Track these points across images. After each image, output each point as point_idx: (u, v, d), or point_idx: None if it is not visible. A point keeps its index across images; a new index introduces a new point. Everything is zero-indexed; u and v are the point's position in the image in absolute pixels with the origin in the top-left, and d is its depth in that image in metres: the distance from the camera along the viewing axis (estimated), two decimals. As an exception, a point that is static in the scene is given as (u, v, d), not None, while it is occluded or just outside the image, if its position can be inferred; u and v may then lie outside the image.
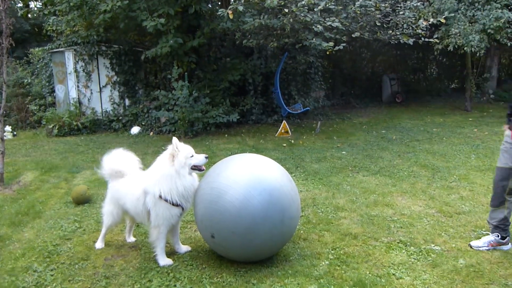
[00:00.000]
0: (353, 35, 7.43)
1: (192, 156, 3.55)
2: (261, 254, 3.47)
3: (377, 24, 7.59)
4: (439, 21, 8.17)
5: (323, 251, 3.82)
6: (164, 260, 3.61)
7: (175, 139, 3.51)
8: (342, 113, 12.94)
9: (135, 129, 10.23)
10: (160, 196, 3.46)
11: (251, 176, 3.37)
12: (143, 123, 10.23)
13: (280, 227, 3.33)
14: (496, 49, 13.96)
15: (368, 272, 3.45)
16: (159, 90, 9.59)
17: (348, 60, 15.48)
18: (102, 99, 11.28)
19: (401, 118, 11.84)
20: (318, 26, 6.70)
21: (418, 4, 8.01)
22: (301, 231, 4.27)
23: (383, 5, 7.55)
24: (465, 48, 10.23)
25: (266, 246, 3.38)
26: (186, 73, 8.95)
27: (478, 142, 8.53)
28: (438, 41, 9.06)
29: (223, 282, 3.30)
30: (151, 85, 10.78)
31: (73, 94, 11.32)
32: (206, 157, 3.63)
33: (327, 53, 7.62)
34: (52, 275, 3.51)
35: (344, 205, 5.08)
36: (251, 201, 3.22)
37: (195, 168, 3.58)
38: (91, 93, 11.34)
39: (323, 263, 3.60)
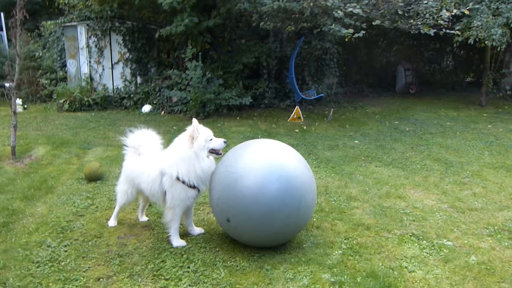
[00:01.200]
0: (373, 23, 7.27)
1: (211, 139, 3.55)
2: (275, 240, 3.47)
3: (399, 12, 7.42)
4: (463, 12, 7.97)
5: (336, 240, 3.82)
6: (177, 241, 3.63)
7: (195, 121, 3.49)
8: (354, 101, 12.81)
9: (146, 108, 10.21)
10: (178, 178, 3.45)
11: (269, 162, 3.35)
12: (154, 102, 10.20)
13: (296, 214, 3.32)
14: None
15: (381, 264, 3.44)
16: (171, 69, 9.52)
17: (363, 48, 15.25)
18: (114, 76, 11.23)
19: (415, 109, 11.71)
20: (339, 11, 6.56)
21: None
22: (314, 219, 4.26)
23: (405, -7, 7.37)
24: (486, 42, 10.00)
25: (281, 232, 3.38)
26: (200, 53, 8.86)
27: (492, 139, 8.42)
28: (459, 33, 8.86)
29: (237, 266, 3.31)
30: (163, 64, 10.71)
31: (85, 69, 11.28)
32: (225, 142, 3.62)
33: (346, 39, 7.48)
34: (66, 251, 3.55)
35: (356, 195, 5.06)
36: (268, 187, 3.21)
37: (213, 151, 3.58)
38: (103, 69, 11.29)
39: (336, 252, 3.60)
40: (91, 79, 11.24)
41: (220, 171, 3.45)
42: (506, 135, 8.75)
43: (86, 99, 10.46)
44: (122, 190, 3.93)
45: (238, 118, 9.43)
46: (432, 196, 5.15)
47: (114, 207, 4.16)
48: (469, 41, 10.19)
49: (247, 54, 9.42)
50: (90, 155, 6.67)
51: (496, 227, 4.28)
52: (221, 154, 3.63)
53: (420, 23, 7.62)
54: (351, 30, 6.89)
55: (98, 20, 10.69)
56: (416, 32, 8.05)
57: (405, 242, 3.88)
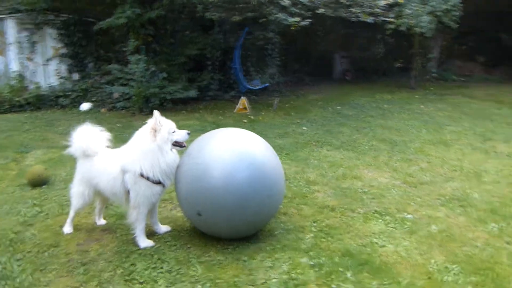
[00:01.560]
0: (317, 11, 7.40)
1: (174, 131, 3.40)
2: (248, 230, 3.42)
3: (340, 1, 7.61)
4: (397, 1, 8.37)
5: (305, 225, 3.84)
6: (144, 242, 3.44)
7: (157, 113, 3.31)
8: (296, 90, 13.03)
9: (85, 105, 9.59)
10: (141, 174, 3.25)
11: (237, 150, 3.28)
12: (93, 99, 9.60)
13: (268, 201, 3.29)
14: (438, 31, 14.61)
15: (353, 242, 3.52)
16: (111, 64, 9.02)
17: (301, 37, 15.53)
18: (48, 72, 10.41)
19: (353, 95, 12.15)
20: (285, 0, 6.58)
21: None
22: (280, 206, 4.25)
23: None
24: (416, 29, 10.61)
25: (254, 221, 3.33)
26: (143, 46, 8.48)
27: (426, 118, 8.99)
28: (395, 21, 9.31)
29: (212, 261, 3.21)
30: (102, 58, 10.11)
31: (15, 67, 10.33)
32: (188, 133, 3.49)
33: (292, 28, 7.54)
34: (19, 265, 3.21)
35: (315, 179, 5.13)
36: (238, 176, 3.14)
37: (176, 144, 3.43)
38: (36, 66, 10.41)
39: (308, 236, 3.62)
40: (22, 77, 10.30)
41: (186, 164, 3.31)
42: (437, 114, 9.39)
43: (17, 99, 9.59)
44: (77, 193, 3.63)
45: (184, 112, 9.19)
46: (384, 174, 5.37)
47: (68, 213, 3.85)
48: (401, 28, 10.74)
49: (190, 46, 9.18)
50: (29, 158, 6.14)
51: (446, 197, 4.57)
52: (185, 146, 3.49)
53: (359, 11, 7.88)
54: (298, 19, 6.95)
55: (30, 12, 9.78)
56: (356, 20, 8.32)
57: (370, 219, 4.00)
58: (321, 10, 7.37)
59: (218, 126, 7.90)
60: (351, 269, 3.11)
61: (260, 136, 3.61)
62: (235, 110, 9.27)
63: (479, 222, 3.97)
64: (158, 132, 3.26)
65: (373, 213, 4.15)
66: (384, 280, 2.99)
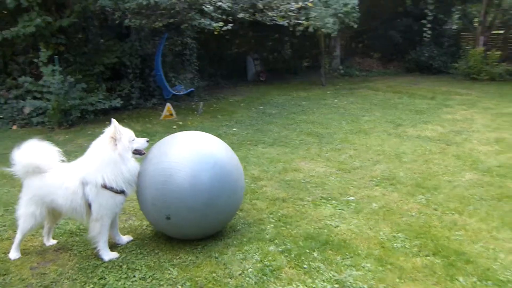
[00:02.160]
0: (238, 16, 7.64)
1: (134, 139, 3.38)
2: (216, 228, 3.51)
3: (258, 6, 7.95)
4: (307, 4, 8.96)
5: (263, 217, 4.04)
6: (109, 255, 3.35)
7: (115, 122, 3.26)
8: (214, 94, 13.17)
9: (-11, 124, 8.67)
10: (104, 185, 3.18)
11: (200, 152, 3.37)
12: (0, 116, 8.72)
13: (233, 198, 3.43)
14: (339, 31, 15.83)
15: (310, 227, 3.80)
16: (22, 77, 8.28)
17: (212, 41, 15.73)
18: None
19: (271, 94, 12.65)
20: (208, 6, 6.71)
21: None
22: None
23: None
24: (322, 30, 11.40)
25: (221, 218, 3.45)
26: (56, 56, 7.94)
27: (342, 111, 9.75)
28: (305, 24, 9.92)
29: (185, 262, 3.25)
30: (4, 71, 9.21)
31: None
32: (147, 141, 3.49)
33: (215, 32, 7.69)
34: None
35: (259, 175, 5.35)
36: (204, 176, 3.23)
37: (136, 152, 3.40)
38: None
39: (269, 226, 3.82)
40: None
41: (150, 170, 3.30)
42: (351, 106, 10.22)
43: None
44: (27, 214, 3.39)
45: (107, 122, 8.76)
46: (319, 164, 5.78)
47: (8, 238, 3.58)
48: (309, 30, 11.46)
49: (107, 54, 8.81)
50: None
51: (378, 178, 5.09)
52: (144, 153, 3.47)
53: (275, 15, 8.30)
54: (221, 23, 7.12)
55: None
56: (271, 23, 8.74)
57: (319, 205, 4.33)
58: (241, 15, 7.64)
59: (149, 134, 7.76)
60: (316, 249, 3.38)
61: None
62: (161, 117, 9.15)
63: (409, 195, 4.52)
64: (118, 141, 3.22)
65: (320, 199, 4.49)
66: (346, 254, 3.30)
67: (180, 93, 9.95)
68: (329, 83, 14.47)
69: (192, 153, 3.31)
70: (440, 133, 7.07)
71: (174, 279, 3.02)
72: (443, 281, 2.95)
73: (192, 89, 10.56)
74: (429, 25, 15.35)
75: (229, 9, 7.47)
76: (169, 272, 3.11)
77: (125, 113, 9.60)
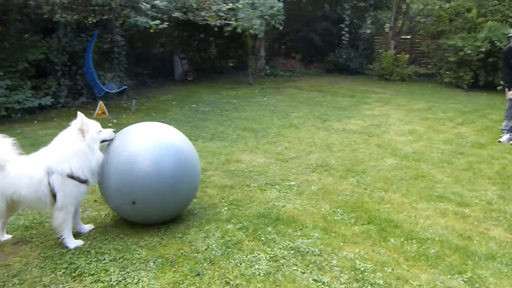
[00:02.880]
0: (173, 15, 7.80)
1: (101, 131, 3.52)
2: (177, 211, 3.78)
3: (193, 5, 8.16)
4: (237, 6, 9.38)
5: (216, 202, 4.37)
6: (74, 242, 3.45)
7: (81, 114, 3.40)
8: (142, 92, 13.06)
9: None
10: (70, 174, 3.29)
11: (161, 139, 3.62)
12: None
13: (194, 181, 3.73)
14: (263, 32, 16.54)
15: (260, 208, 4.22)
16: None
17: (138, 39, 15.53)
18: None
19: (201, 93, 12.90)
20: (145, 4, 6.79)
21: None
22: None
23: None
24: (250, 31, 11.92)
25: (185, 201, 3.72)
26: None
27: (272, 108, 10.34)
28: (236, 24, 10.33)
29: (151, 243, 3.48)
30: None
31: None
32: (113, 131, 3.64)
33: (151, 31, 7.77)
34: None
35: (204, 166, 5.64)
36: (167, 163, 3.49)
37: (103, 142, 3.56)
38: None
39: (223, 209, 4.17)
40: None
41: (115, 158, 3.47)
42: (279, 104, 10.86)
43: None
44: None
45: (35, 121, 8.42)
46: (259, 155, 6.23)
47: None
48: (237, 30, 11.91)
49: (32, 50, 8.39)
50: None
51: (313, 166, 5.67)
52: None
53: (207, 15, 8.60)
54: (158, 22, 7.23)
55: None
56: (203, 23, 9.01)
57: (265, 189, 4.77)
58: (176, 14, 7.81)
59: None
60: (269, 225, 3.80)
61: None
62: (94, 115, 8.96)
63: (342, 178, 5.15)
64: (86, 133, 3.36)
65: (265, 184, 4.94)
66: (296, 227, 3.77)
67: (112, 91, 9.80)
68: (256, 82, 15.08)
69: (153, 141, 3.55)
70: (362, 127, 7.94)
71: (144, 258, 3.24)
72: (378, 242, 3.54)
73: (125, 86, 10.46)
74: (346, 29, 16.70)
75: (164, 8, 7.61)
76: (138, 252, 3.32)
77: (53, 112, 9.24)
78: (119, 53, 11.08)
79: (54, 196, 3.33)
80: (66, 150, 3.32)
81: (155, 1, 7.21)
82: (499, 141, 6.81)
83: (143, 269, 3.08)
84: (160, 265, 3.13)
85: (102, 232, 3.69)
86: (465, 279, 3.02)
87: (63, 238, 3.44)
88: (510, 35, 6.96)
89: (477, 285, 2.97)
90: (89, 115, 9.24)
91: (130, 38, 14.03)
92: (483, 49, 12.00)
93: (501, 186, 4.90)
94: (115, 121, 8.77)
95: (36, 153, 3.44)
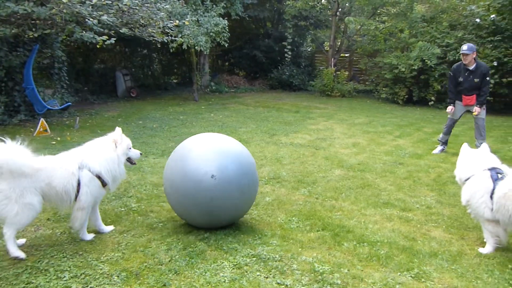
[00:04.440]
0: (121, 31, 7.73)
1: (130, 148, 3.93)
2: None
3: (141, 22, 8.16)
4: (184, 22, 9.51)
5: (174, 215, 4.37)
6: (89, 236, 3.79)
7: (119, 129, 3.82)
8: (85, 109, 12.66)
9: None
10: (98, 175, 3.62)
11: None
12: None
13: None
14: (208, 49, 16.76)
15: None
16: None
17: (78, 55, 15.09)
18: None
19: (147, 110, 12.76)
20: (91, 19, 6.69)
21: (167, 6, 9.05)
22: (142, 206, 4.66)
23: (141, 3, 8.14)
24: (196, 47, 12.08)
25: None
26: None
27: (220, 123, 10.49)
28: (182, 40, 10.43)
29: (112, 258, 3.45)
30: None
31: None
32: (140, 154, 4.08)
33: (98, 46, 7.63)
34: None
35: (159, 181, 5.63)
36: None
37: (129, 160, 3.95)
38: None
39: (183, 222, 4.21)
40: None
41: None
42: (227, 120, 11.04)
43: None
44: (25, 205, 3.34)
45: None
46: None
47: None
48: (183, 47, 12.02)
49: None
50: None
51: (266, 178, 5.87)
52: (135, 164, 4.09)
53: (154, 31, 8.64)
54: (105, 37, 7.13)
55: None
56: (149, 39, 9.02)
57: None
58: (124, 30, 7.76)
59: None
60: (230, 235, 3.91)
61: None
62: (34, 133, 8.56)
63: (294, 189, 5.39)
64: (119, 145, 3.76)
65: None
66: (255, 236, 3.92)
67: (55, 108, 9.43)
68: (202, 98, 15.19)
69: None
70: (308, 140, 8.31)
71: (107, 273, 3.21)
72: (333, 246, 3.77)
73: (69, 103, 10.09)
74: (289, 47, 17.37)
75: (111, 23, 7.54)
76: (100, 268, 3.28)
77: (-12, 129, 8.70)
78: (59, 69, 10.71)
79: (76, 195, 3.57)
80: (99, 153, 3.68)
81: (102, 17, 7.13)
82: (433, 153, 7.43)
83: (108, 284, 3.06)
84: (125, 279, 3.12)
85: (60, 250, 3.58)
86: (413, 275, 3.32)
87: (81, 234, 3.77)
88: (461, 52, 6.89)
89: (423, 279, 3.28)
90: (29, 133, 8.86)
91: (69, 54, 13.59)
92: (416, 67, 13.09)
93: (438, 192, 5.40)
94: (58, 138, 8.45)
95: (68, 151, 3.75)
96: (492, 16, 12.26)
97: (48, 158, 3.58)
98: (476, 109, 6.94)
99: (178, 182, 3.81)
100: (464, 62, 6.90)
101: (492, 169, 3.68)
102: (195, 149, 3.92)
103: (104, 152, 3.69)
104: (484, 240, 3.79)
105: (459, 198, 5.01)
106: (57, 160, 3.60)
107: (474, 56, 6.86)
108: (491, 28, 12.34)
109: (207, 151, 3.87)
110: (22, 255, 3.39)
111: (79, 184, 3.53)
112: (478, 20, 12.72)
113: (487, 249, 3.73)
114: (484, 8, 12.72)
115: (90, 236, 3.77)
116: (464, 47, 6.87)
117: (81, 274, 3.19)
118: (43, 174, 3.43)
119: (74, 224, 3.63)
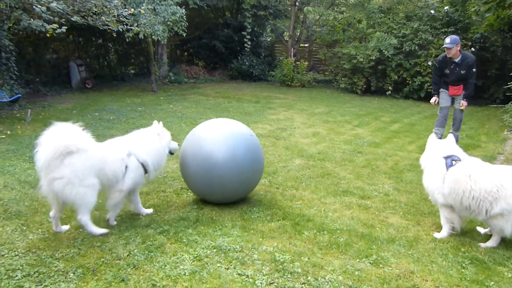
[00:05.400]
0: (72, 19, 7.39)
1: (170, 141, 4.30)
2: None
3: (93, 9, 7.82)
4: (139, 11, 9.22)
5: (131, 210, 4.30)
6: (99, 230, 3.75)
7: (160, 123, 4.22)
8: (37, 102, 12.08)
9: None
10: (143, 163, 3.91)
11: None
12: None
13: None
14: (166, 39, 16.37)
15: (179, 212, 4.29)
16: None
17: (28, 44, 14.31)
18: None
19: (103, 101, 12.34)
20: (39, 6, 6.34)
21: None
22: (99, 201, 4.51)
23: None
24: (153, 37, 11.77)
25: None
26: None
27: (179, 115, 10.33)
28: (139, 30, 10.12)
29: (67, 254, 3.34)
30: None
31: None
32: (178, 145, 4.46)
33: (48, 35, 7.25)
34: None
35: (116, 175, 5.50)
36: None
37: (169, 151, 4.30)
38: None
39: (141, 215, 4.13)
40: None
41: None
42: (186, 111, 10.88)
43: None
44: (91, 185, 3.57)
45: None
46: (171, 161, 6.20)
47: None
48: (139, 36, 11.67)
49: None
50: None
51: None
52: (173, 154, 4.45)
53: (109, 20, 8.32)
54: (56, 25, 6.77)
55: None
56: (103, 28, 8.69)
57: (181, 194, 4.85)
58: (75, 18, 7.42)
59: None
60: (190, 227, 3.89)
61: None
62: (-19, 127, 8.09)
63: (254, 179, 5.40)
64: (162, 137, 4.16)
65: (180, 189, 5.00)
66: (216, 227, 3.91)
67: (3, 100, 8.92)
68: (160, 89, 14.87)
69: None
70: (269, 130, 8.36)
71: (62, 270, 3.10)
72: (293, 235, 3.83)
73: (19, 95, 9.57)
74: (248, 37, 17.28)
75: (61, 11, 7.19)
76: (54, 265, 3.17)
77: None
78: (7, 59, 10.10)
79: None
80: (147, 144, 4.01)
81: (51, 4, 6.77)
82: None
83: (63, 281, 2.96)
84: (81, 275, 3.03)
85: (11, 248, 3.42)
86: (371, 261, 3.43)
87: (108, 219, 3.93)
88: (444, 45, 6.60)
89: (381, 265, 3.39)
90: (-25, 126, 8.34)
91: (18, 43, 12.86)
92: (373, 57, 13.41)
93: (395, 180, 5.60)
94: (8, 132, 8.04)
95: (113, 139, 4.07)
96: (445, 7, 12.76)
97: (100, 145, 3.81)
98: (463, 103, 6.74)
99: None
100: (448, 56, 6.62)
101: (448, 157, 3.86)
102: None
103: (152, 143, 4.05)
104: (442, 224, 3.97)
105: (415, 185, 5.28)
106: (107, 148, 3.85)
107: (459, 48, 6.56)
108: (445, 20, 12.84)
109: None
110: (105, 230, 3.69)
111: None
112: (432, 11, 13.20)
113: (442, 233, 3.91)
114: (438, 0, 13.20)
115: (101, 231, 3.70)
116: (447, 40, 6.56)
117: (34, 273, 3.07)
118: (97, 158, 3.63)
119: (110, 202, 3.85)
